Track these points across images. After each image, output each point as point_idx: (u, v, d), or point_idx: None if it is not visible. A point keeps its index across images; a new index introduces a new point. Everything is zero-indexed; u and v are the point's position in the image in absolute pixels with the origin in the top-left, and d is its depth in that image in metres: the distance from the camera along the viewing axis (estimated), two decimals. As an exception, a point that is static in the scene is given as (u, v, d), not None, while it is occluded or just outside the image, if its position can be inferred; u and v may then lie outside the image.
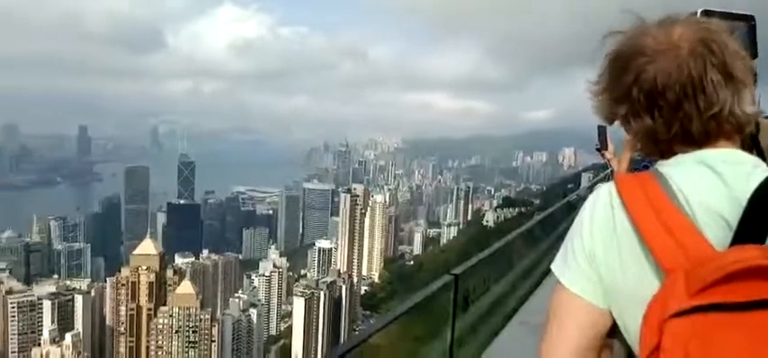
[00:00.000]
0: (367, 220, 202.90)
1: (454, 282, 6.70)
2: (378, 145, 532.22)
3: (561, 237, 1.71)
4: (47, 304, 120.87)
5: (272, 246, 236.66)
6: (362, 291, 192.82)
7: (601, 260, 1.52)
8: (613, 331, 1.59)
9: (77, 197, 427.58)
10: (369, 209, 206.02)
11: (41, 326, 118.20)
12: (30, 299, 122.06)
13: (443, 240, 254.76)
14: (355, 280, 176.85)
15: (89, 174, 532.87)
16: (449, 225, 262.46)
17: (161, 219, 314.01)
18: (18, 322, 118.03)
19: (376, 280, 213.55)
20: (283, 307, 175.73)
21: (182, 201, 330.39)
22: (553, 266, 1.72)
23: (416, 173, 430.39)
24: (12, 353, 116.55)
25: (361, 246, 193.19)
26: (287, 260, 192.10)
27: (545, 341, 1.62)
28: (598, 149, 5.75)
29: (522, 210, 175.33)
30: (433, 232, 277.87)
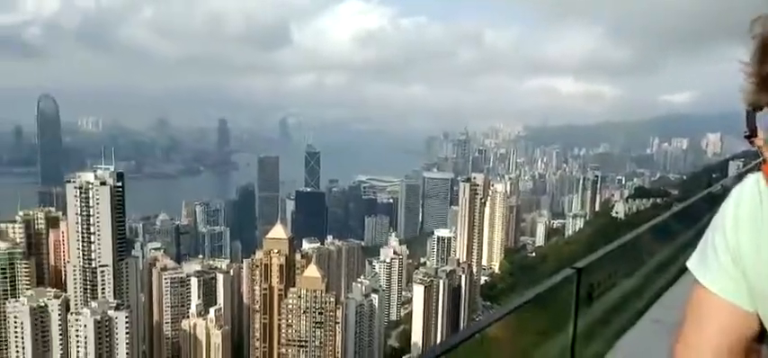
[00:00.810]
0: (487, 210, 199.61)
1: (576, 276, 6.43)
2: (498, 133, 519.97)
3: (702, 232, 1.60)
4: (194, 281, 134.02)
5: (393, 234, 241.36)
6: (482, 282, 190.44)
7: (746, 257, 1.38)
8: (762, 336, 1.47)
9: (218, 184, 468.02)
10: (489, 198, 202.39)
11: (189, 300, 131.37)
12: (180, 275, 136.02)
13: (568, 232, 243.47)
14: (475, 270, 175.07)
15: (227, 164, 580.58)
16: (574, 216, 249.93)
17: (290, 205, 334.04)
18: (170, 296, 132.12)
19: (496, 270, 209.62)
20: (403, 293, 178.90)
21: (308, 189, 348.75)
22: (689, 264, 1.59)
23: (539, 161, 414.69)
24: (165, 322, 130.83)
25: (480, 235, 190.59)
26: (407, 247, 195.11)
27: (681, 342, 1.51)
28: (747, 136, 5.17)
29: (658, 200, 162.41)
30: (556, 223, 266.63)
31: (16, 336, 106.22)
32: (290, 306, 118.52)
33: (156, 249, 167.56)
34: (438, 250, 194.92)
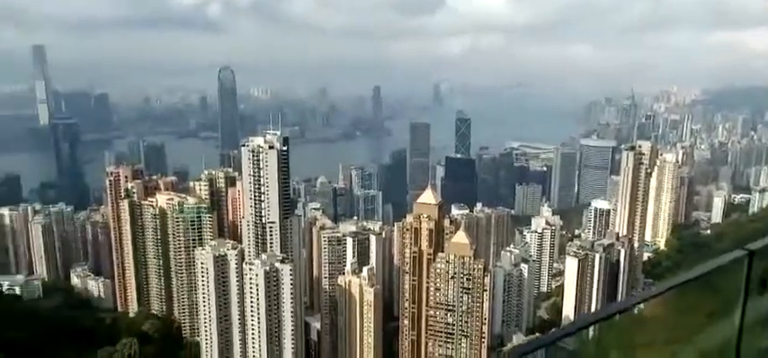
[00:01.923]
0: (653, 181, 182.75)
1: (747, 259, 5.63)
2: (671, 96, 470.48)
3: None
4: (349, 241, 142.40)
5: (545, 204, 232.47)
6: (645, 258, 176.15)
7: None
8: None
9: (372, 149, 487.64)
10: (656, 168, 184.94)
11: (345, 258, 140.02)
12: (337, 235, 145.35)
13: (753, 208, 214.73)
14: (636, 245, 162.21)
15: (381, 129, 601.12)
16: (762, 190, 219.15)
17: (440, 171, 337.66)
18: (328, 253, 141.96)
19: (661, 247, 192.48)
20: (555, 265, 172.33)
21: (458, 156, 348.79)
22: None
23: (720, 128, 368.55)
24: (324, 277, 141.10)
25: (644, 209, 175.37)
26: (560, 218, 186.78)
27: None
28: None
29: None
30: (739, 198, 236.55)
31: (202, 280, 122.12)
32: (439, 270, 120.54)
33: (315, 209, 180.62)
34: (595, 222, 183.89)
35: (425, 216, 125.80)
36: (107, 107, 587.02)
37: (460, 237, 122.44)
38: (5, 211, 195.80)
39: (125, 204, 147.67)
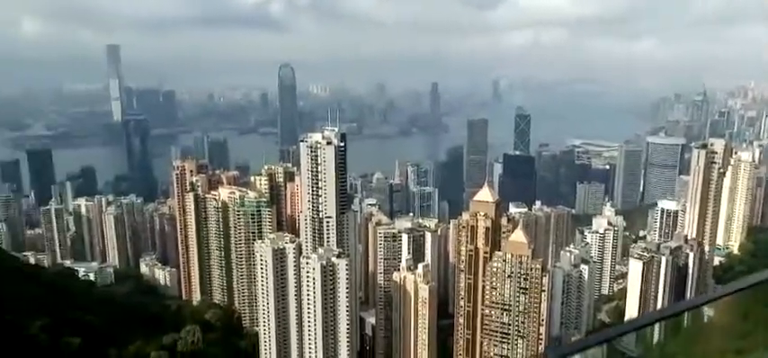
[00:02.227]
0: (726, 181, 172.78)
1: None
2: (747, 92, 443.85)
3: None
4: (405, 237, 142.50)
5: (608, 203, 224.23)
6: (716, 262, 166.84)
7: None
8: None
9: (429, 146, 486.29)
10: (730, 168, 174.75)
11: (400, 254, 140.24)
12: (392, 231, 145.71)
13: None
14: (706, 248, 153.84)
15: (438, 126, 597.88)
16: None
17: (498, 169, 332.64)
18: (383, 249, 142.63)
19: (734, 251, 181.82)
20: (617, 267, 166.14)
21: (517, 153, 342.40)
22: None
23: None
24: (379, 273, 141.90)
25: (716, 210, 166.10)
26: (623, 219, 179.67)
27: None
28: None
29: None
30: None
31: (261, 272, 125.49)
32: (495, 269, 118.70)
33: (371, 205, 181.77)
34: (661, 224, 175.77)
35: (482, 214, 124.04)
36: (174, 103, 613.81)
37: (518, 236, 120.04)
38: (82, 202, 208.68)
39: (190, 197, 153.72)
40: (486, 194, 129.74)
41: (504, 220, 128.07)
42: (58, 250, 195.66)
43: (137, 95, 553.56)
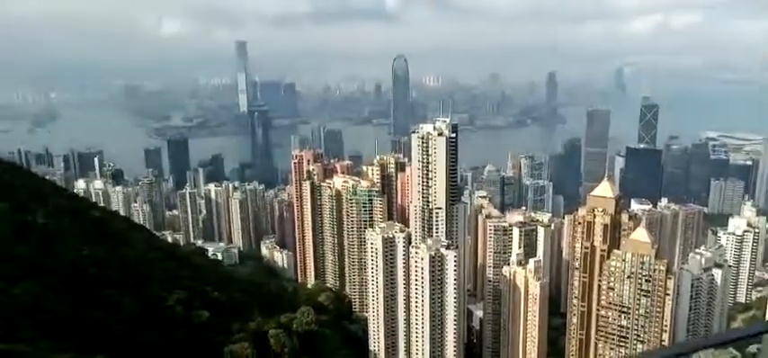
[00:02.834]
0: None
1: None
2: None
3: None
4: (516, 231, 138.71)
5: (748, 203, 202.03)
6: None
7: None
8: None
9: (543, 138, 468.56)
10: None
11: (510, 248, 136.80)
12: (503, 224, 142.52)
13: None
14: None
15: (554, 117, 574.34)
16: None
17: (619, 162, 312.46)
18: (493, 243, 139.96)
19: None
20: (757, 273, 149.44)
21: (641, 146, 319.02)
22: None
23: None
24: (488, 266, 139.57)
25: None
26: (766, 220, 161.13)
27: None
28: None
29: None
30: None
31: (372, 260, 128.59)
32: (613, 268, 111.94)
33: (482, 197, 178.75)
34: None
35: (600, 209, 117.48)
36: (294, 95, 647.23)
37: (640, 235, 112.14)
38: (212, 187, 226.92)
39: (306, 185, 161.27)
40: (605, 189, 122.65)
41: (624, 217, 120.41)
42: (191, 230, 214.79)
43: (261, 88, 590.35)
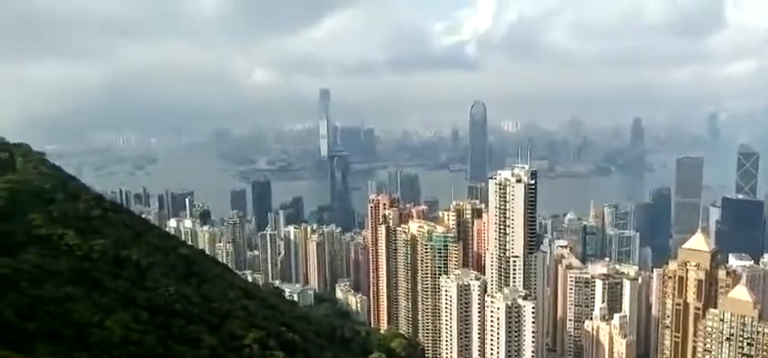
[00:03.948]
0: None
1: None
2: None
3: None
4: (599, 283, 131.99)
5: None
6: None
7: None
8: None
9: (629, 186, 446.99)
10: None
11: (593, 302, 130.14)
12: (585, 276, 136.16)
13: None
14: None
15: (641, 164, 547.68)
16: None
17: (714, 214, 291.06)
18: (574, 294, 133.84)
19: None
20: None
21: (740, 197, 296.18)
22: None
23: None
24: (568, 320, 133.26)
25: None
26: None
27: None
28: None
29: None
30: None
31: (446, 307, 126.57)
32: (710, 329, 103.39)
33: (562, 247, 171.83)
34: None
35: (694, 264, 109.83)
36: (373, 140, 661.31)
37: (741, 293, 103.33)
38: (291, 229, 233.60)
39: (382, 229, 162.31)
40: (699, 242, 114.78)
41: (721, 273, 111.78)
42: (269, 270, 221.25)
43: (341, 133, 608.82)
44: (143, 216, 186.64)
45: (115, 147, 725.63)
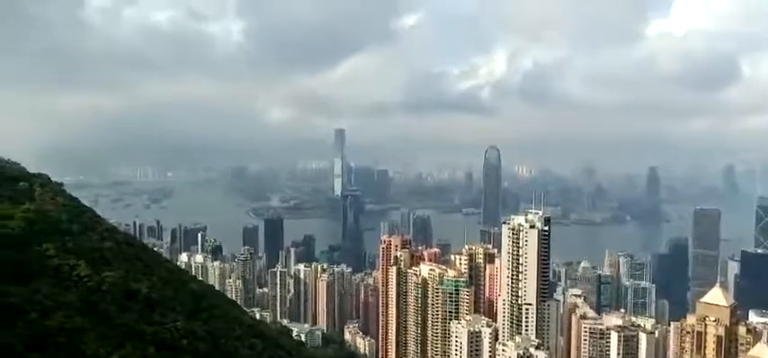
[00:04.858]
0: None
1: None
2: None
3: None
4: (614, 335, 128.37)
5: None
6: None
7: None
8: None
9: (645, 236, 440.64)
10: None
11: (607, 354, 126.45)
12: (599, 327, 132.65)
13: None
14: None
15: (657, 214, 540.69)
16: None
17: (733, 267, 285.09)
18: (588, 346, 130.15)
19: None
20: None
21: (759, 251, 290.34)
22: None
23: None
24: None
25: None
26: None
27: None
28: None
29: None
30: None
31: (456, 353, 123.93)
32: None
33: (576, 296, 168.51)
34: None
35: (712, 319, 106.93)
36: (386, 181, 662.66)
37: (762, 351, 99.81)
38: (301, 267, 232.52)
39: (393, 271, 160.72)
40: (717, 296, 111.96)
41: (741, 330, 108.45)
42: (278, 309, 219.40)
43: (355, 173, 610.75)
44: (155, 249, 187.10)
45: (133, 180, 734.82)
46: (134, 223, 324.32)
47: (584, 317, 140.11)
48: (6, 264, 61.89)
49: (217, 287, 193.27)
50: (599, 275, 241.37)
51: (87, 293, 66.92)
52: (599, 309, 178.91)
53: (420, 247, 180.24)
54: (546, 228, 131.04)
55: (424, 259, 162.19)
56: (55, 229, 76.97)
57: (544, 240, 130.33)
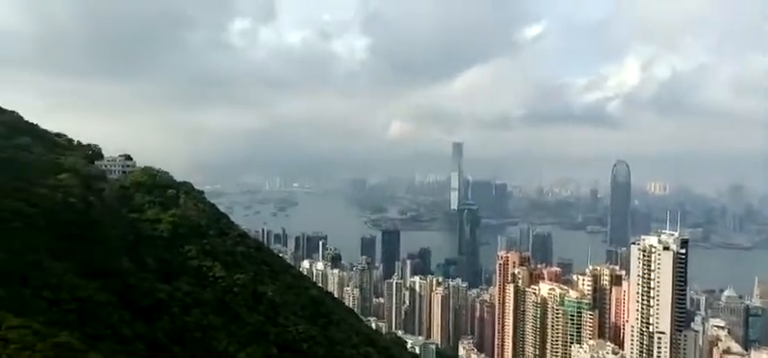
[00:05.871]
0: None
1: None
2: None
3: None
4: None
5: None
6: None
7: None
8: None
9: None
10: None
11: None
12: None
13: None
14: None
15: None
16: None
17: None
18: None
19: None
20: None
21: None
22: None
23: None
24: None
25: None
26: None
27: None
28: None
29: None
30: None
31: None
32: None
33: (719, 327, 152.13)
34: None
35: None
36: (505, 195, 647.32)
37: None
38: (417, 280, 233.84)
39: (510, 289, 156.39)
40: None
41: None
42: (393, 319, 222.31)
43: (472, 186, 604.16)
44: (280, 255, 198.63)
45: (262, 189, 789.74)
46: (262, 230, 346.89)
47: (728, 351, 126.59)
48: (157, 262, 69.03)
49: (335, 294, 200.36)
50: (747, 306, 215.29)
51: (221, 293, 72.55)
52: (747, 345, 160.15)
53: (539, 265, 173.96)
54: (683, 251, 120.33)
55: (543, 277, 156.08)
56: (195, 233, 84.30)
57: (680, 264, 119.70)
